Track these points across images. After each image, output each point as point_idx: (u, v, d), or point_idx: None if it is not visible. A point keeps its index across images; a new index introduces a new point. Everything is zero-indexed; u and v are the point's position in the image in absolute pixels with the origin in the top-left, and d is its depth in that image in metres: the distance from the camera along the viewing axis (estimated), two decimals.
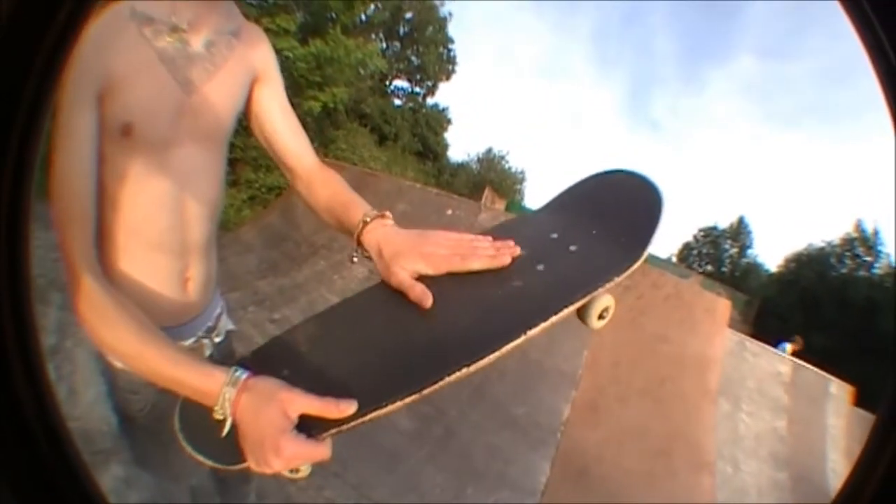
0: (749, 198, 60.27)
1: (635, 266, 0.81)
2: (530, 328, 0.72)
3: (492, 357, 0.71)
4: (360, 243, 0.97)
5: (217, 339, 1.20)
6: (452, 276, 0.85)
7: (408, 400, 0.69)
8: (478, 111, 60.06)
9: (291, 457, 0.71)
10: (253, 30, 1.13)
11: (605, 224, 0.90)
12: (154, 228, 1.00)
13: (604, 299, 0.81)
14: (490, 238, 0.90)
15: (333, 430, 0.71)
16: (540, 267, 0.84)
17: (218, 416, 0.75)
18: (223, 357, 1.19)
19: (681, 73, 58.41)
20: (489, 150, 28.58)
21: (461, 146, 51.52)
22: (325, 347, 0.86)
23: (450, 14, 22.00)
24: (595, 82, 62.29)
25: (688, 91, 58.98)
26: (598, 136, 61.92)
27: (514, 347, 0.72)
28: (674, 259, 31.18)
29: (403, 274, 0.86)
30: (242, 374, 0.76)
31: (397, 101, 22.26)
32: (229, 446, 0.76)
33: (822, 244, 22.33)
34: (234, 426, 0.75)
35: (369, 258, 0.96)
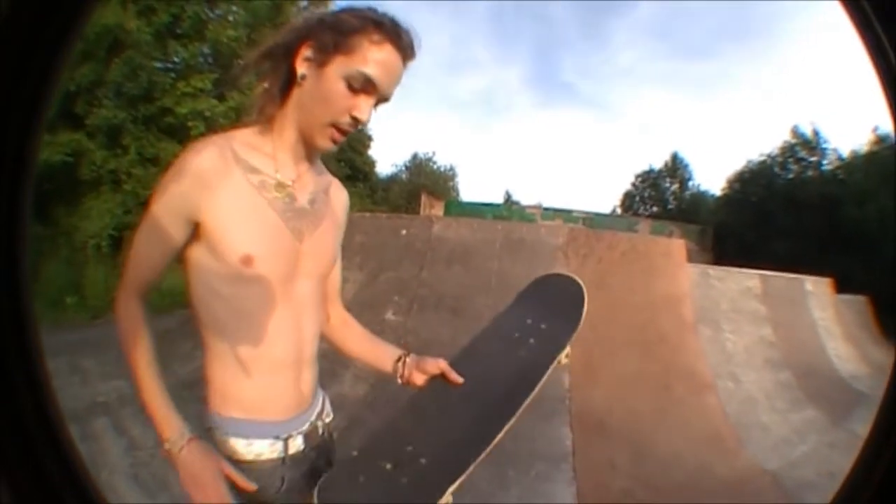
0: (678, 133, 60.91)
1: (578, 330, 1.29)
2: (537, 383, 1.18)
3: (527, 401, 1.14)
4: (395, 370, 1.32)
5: (327, 420, 1.32)
6: (475, 362, 1.28)
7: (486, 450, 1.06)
8: (395, 120, 60.19)
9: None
10: (337, 187, 1.31)
11: (554, 308, 1.37)
12: (276, 349, 1.12)
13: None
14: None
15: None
16: (532, 341, 1.29)
17: (166, 448, 1.01)
18: (331, 432, 1.36)
19: (581, 32, 58.59)
20: (415, 156, 28.99)
21: (387, 160, 51.03)
22: (410, 438, 1.15)
23: None
24: (500, 62, 63.08)
25: (592, 47, 58.97)
26: (515, 113, 62.73)
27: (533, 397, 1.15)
28: (618, 210, 31.19)
29: (434, 367, 1.26)
30: (188, 435, 1.02)
31: None
32: None
33: (762, 157, 22.50)
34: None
35: (403, 383, 1.31)
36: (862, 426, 4.64)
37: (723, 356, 5.31)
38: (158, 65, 10.88)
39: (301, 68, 1.04)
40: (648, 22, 55.61)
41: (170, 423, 1.02)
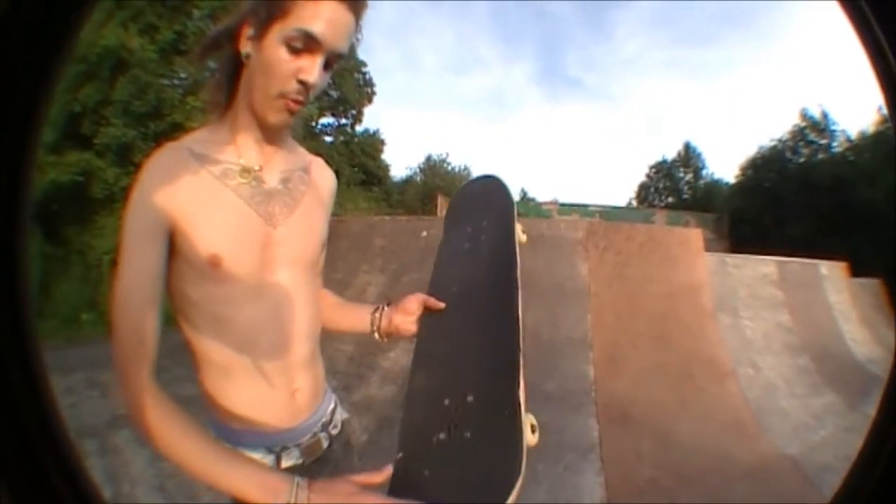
0: (689, 123, 60.26)
1: (515, 223, 1.16)
2: (514, 256, 1.07)
3: (518, 278, 1.02)
4: (372, 322, 1.24)
5: (334, 432, 1.22)
6: (448, 285, 1.18)
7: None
8: (406, 123, 60.43)
9: None
10: (319, 165, 1.21)
11: (485, 207, 1.29)
12: (256, 349, 1.03)
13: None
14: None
15: None
16: (483, 237, 1.20)
17: None
18: (340, 445, 1.24)
19: (584, 26, 57.95)
20: (428, 158, 28.70)
21: (401, 162, 50.32)
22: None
23: (357, 39, 21.74)
24: (506, 60, 62.76)
25: (596, 41, 58.35)
26: (525, 110, 62.61)
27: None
28: (634, 203, 30.96)
29: (414, 302, 1.17)
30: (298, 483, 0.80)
31: (328, 139, 21.75)
32: None
33: (773, 142, 22.18)
34: None
35: (381, 335, 1.24)
36: None
37: (742, 343, 5.35)
38: (165, 81, 10.85)
39: (245, 48, 0.97)
40: (649, 10, 54.92)
41: (271, 486, 0.81)
